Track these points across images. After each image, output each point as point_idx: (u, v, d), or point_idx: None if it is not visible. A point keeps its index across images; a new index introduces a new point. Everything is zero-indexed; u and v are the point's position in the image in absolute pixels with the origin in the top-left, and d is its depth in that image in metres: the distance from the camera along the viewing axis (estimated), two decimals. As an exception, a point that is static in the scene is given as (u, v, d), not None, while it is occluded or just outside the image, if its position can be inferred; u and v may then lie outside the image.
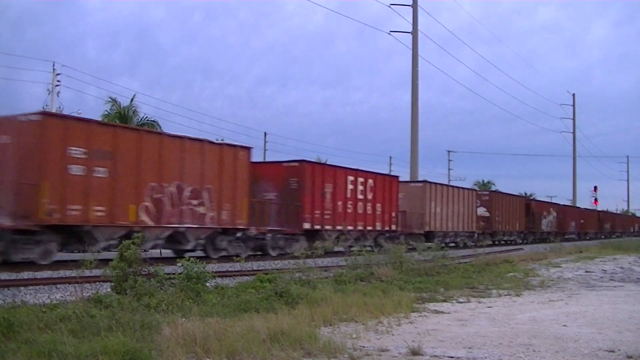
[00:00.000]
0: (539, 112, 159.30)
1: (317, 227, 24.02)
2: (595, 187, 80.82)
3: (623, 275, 19.02)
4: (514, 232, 46.27)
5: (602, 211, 77.95)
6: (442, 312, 10.33)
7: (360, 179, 27.04)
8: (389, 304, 10.26)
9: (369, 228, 27.55)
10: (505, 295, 13.03)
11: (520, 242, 46.81)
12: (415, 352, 6.91)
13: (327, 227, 24.66)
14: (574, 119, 73.76)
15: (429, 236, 32.50)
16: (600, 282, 16.91)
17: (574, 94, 74.98)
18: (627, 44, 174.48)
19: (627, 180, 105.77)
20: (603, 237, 69.84)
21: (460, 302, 11.69)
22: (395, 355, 6.88)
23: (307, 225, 23.52)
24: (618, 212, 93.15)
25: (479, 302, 11.75)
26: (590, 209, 73.22)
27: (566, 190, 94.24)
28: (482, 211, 40.81)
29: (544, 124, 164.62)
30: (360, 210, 26.91)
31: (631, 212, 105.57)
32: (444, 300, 11.84)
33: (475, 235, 39.03)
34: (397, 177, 31.84)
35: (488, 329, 8.81)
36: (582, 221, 64.00)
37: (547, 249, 31.10)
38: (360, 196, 26.89)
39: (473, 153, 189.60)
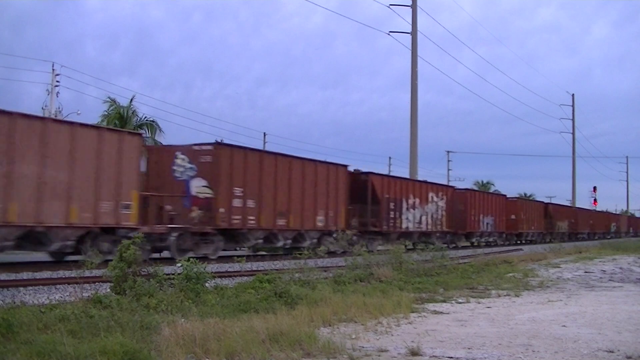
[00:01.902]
0: (539, 112, 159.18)
1: None
2: (595, 188, 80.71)
3: (622, 276, 19.03)
4: (310, 231, 23.83)
5: (552, 204, 57.16)
6: (442, 313, 10.34)
7: None
8: (388, 304, 10.26)
9: None
10: (504, 295, 13.04)
11: (342, 252, 22.18)
12: (414, 353, 6.91)
13: None
14: (573, 120, 73.71)
15: None
16: (599, 282, 16.91)
17: (573, 95, 74.87)
18: (627, 43, 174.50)
19: (627, 181, 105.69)
20: (552, 240, 48.28)
21: (460, 303, 11.69)
22: (394, 356, 6.88)
23: None
24: (582, 207, 69.02)
25: (478, 303, 11.75)
26: (527, 199, 54.00)
27: (566, 191, 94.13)
28: (198, 186, 20.18)
29: (544, 124, 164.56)
30: None
31: (630, 213, 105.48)
32: (443, 301, 11.84)
33: (156, 237, 18.22)
34: None
35: (487, 329, 8.82)
36: (512, 217, 43.59)
37: (546, 249, 31.04)
38: None
39: (472, 154, 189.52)
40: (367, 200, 27.37)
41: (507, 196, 45.63)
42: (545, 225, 50.13)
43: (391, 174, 42.82)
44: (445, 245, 27.83)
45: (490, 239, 40.63)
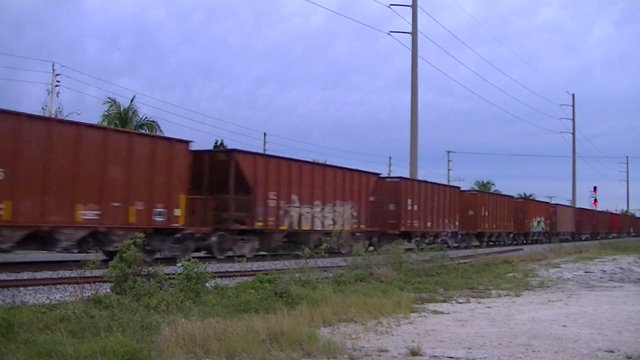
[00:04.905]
0: (539, 112, 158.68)
1: None
2: (595, 188, 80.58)
3: (622, 276, 19.04)
4: None
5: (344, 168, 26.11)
6: (442, 313, 10.34)
7: None
8: (389, 304, 10.26)
9: None
10: (504, 295, 13.04)
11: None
12: (414, 353, 6.91)
13: None
14: (573, 120, 73.63)
15: None
16: (599, 282, 16.92)
17: (573, 95, 74.74)
18: (627, 43, 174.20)
19: (627, 181, 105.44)
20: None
21: (460, 303, 11.70)
22: (394, 356, 6.89)
23: None
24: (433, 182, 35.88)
25: (479, 303, 11.76)
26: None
27: (566, 191, 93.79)
28: None
29: (544, 124, 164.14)
30: None
31: (630, 213, 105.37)
32: (444, 301, 11.85)
33: None
34: None
35: (487, 329, 8.82)
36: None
37: (546, 249, 30.87)
38: None
39: (472, 154, 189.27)
40: None
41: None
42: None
43: (392, 174, 40.22)
44: None
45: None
